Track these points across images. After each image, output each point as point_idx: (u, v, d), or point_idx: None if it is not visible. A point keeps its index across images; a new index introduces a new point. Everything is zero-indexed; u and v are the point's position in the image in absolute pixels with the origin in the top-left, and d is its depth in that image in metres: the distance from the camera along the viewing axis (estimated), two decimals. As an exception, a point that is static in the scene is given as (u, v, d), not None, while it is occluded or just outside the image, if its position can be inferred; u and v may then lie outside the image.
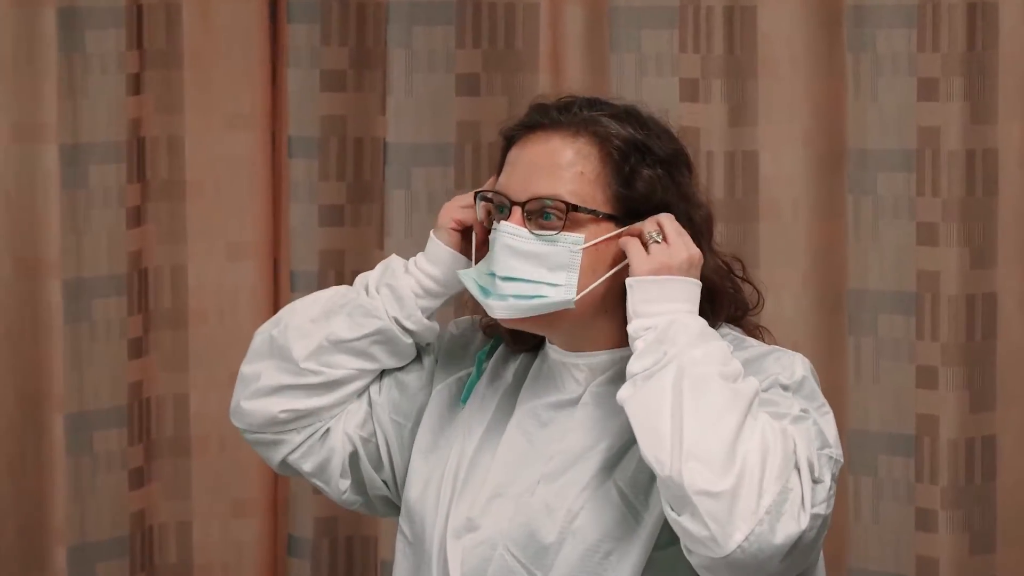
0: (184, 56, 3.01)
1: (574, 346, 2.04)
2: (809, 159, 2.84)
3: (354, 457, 2.14)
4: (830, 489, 1.89)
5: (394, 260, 2.12)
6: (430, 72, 2.93)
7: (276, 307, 3.07)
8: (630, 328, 1.94)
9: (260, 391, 2.11)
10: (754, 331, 2.09)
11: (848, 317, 2.83)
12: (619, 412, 1.95)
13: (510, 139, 2.02)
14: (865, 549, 2.85)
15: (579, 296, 1.97)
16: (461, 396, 2.10)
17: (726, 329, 2.06)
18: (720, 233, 2.84)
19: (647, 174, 1.98)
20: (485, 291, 2.00)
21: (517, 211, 1.97)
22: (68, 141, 2.92)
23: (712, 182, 2.82)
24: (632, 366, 1.91)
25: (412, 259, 2.11)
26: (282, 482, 3.11)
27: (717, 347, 1.92)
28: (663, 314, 1.93)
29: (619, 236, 1.97)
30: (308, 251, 3.02)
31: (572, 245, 1.96)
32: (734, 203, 2.84)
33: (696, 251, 1.97)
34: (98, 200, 2.96)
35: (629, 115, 2.02)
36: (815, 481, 1.87)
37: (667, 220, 1.98)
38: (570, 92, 2.06)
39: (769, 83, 2.83)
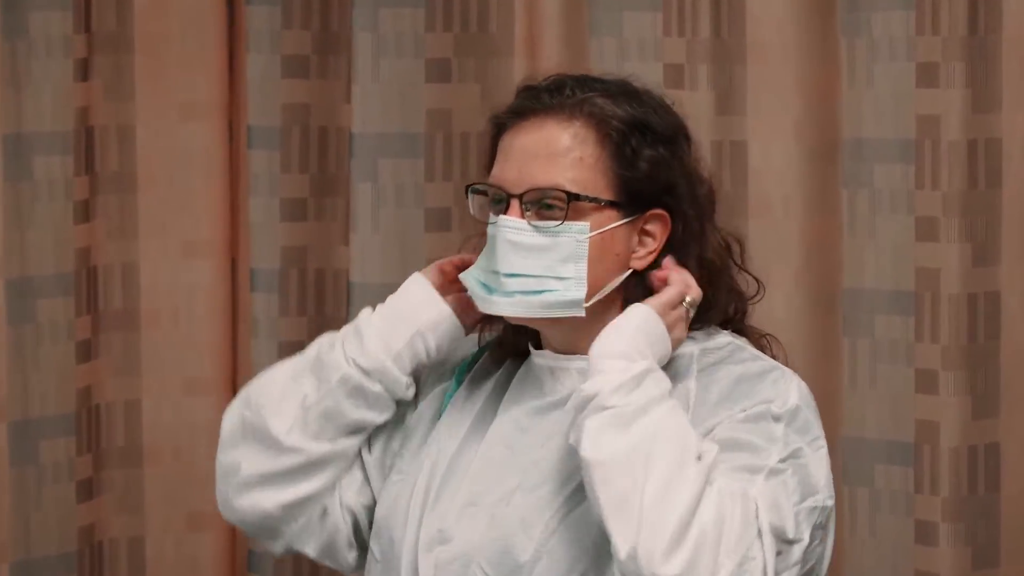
0: (135, 40, 2.96)
1: (570, 345, 1.98)
2: (801, 150, 2.80)
3: (357, 527, 2.08)
4: (810, 545, 1.85)
5: (366, 308, 2.06)
6: (398, 57, 2.88)
7: (234, 308, 3.03)
8: (605, 346, 1.86)
9: (246, 483, 2.03)
10: (759, 340, 2.04)
11: (843, 318, 2.80)
12: None
13: (500, 127, 1.97)
14: (861, 564, 2.80)
15: (590, 303, 1.92)
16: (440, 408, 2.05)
17: (727, 337, 2.00)
18: None
19: (649, 154, 1.94)
20: (488, 288, 1.94)
21: (515, 203, 1.92)
22: (11, 131, 2.86)
23: None
24: (604, 394, 1.83)
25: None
26: None
27: (679, 408, 1.86)
28: (647, 357, 1.86)
29: (626, 225, 1.92)
30: (269, 248, 2.97)
31: (578, 235, 1.91)
32: (721, 197, 2.72)
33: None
34: (43, 194, 2.90)
35: (624, 92, 1.96)
36: (789, 542, 1.82)
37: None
38: (557, 71, 2.01)
39: (758, 69, 2.79)
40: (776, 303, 2.75)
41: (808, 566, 1.85)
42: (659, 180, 1.93)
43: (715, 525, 1.76)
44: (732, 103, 2.79)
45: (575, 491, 1.91)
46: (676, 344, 1.92)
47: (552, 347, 2.00)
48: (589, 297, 1.92)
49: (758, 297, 2.03)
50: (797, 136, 2.78)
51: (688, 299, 1.92)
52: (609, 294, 1.94)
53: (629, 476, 1.78)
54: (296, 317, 2.95)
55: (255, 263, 2.97)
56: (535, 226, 1.90)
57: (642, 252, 1.94)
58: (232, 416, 2.06)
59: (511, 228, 1.90)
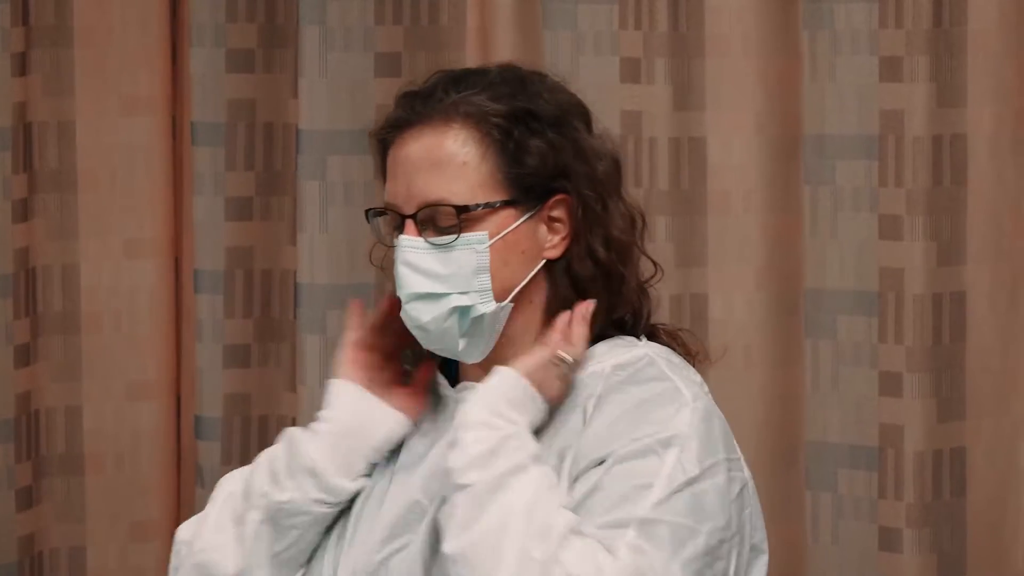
0: (75, 33, 2.94)
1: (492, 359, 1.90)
2: (761, 146, 2.77)
3: None
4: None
5: (298, 435, 1.95)
6: (346, 51, 2.84)
7: (178, 309, 3.00)
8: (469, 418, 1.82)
9: None
10: (673, 339, 1.96)
11: (805, 319, 2.77)
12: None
13: (384, 142, 1.91)
14: (824, 571, 2.78)
15: (509, 299, 1.88)
16: None
17: (643, 348, 1.92)
18: (664, 227, 2.76)
19: (536, 145, 1.87)
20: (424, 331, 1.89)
21: (410, 223, 1.87)
22: (-54, 127, 2.85)
23: (655, 171, 2.76)
24: (458, 471, 1.79)
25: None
26: (185, 503, 3.03)
27: (544, 475, 1.80)
28: (514, 422, 1.82)
29: (528, 220, 1.88)
30: (213, 248, 2.94)
31: (477, 245, 1.86)
32: (679, 194, 2.77)
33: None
34: None
35: (505, 81, 1.90)
36: None
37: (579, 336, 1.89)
38: (438, 70, 1.95)
39: (718, 63, 2.76)
40: (736, 303, 2.76)
41: None
42: (550, 168, 1.87)
43: None
44: (691, 98, 2.76)
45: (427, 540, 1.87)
46: (556, 400, 1.87)
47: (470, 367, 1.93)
48: (503, 299, 1.87)
49: (656, 278, 1.96)
50: (758, 131, 2.76)
51: (563, 356, 1.86)
52: (532, 291, 1.89)
53: (480, 570, 1.74)
54: (242, 319, 2.91)
55: (199, 264, 2.94)
56: (431, 242, 1.85)
57: (555, 240, 1.89)
58: None
59: (409, 248, 1.86)
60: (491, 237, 1.85)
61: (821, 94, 2.72)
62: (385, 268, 1.93)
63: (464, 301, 1.85)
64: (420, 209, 1.85)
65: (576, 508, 1.78)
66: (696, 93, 2.75)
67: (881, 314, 2.71)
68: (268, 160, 2.94)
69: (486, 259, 1.85)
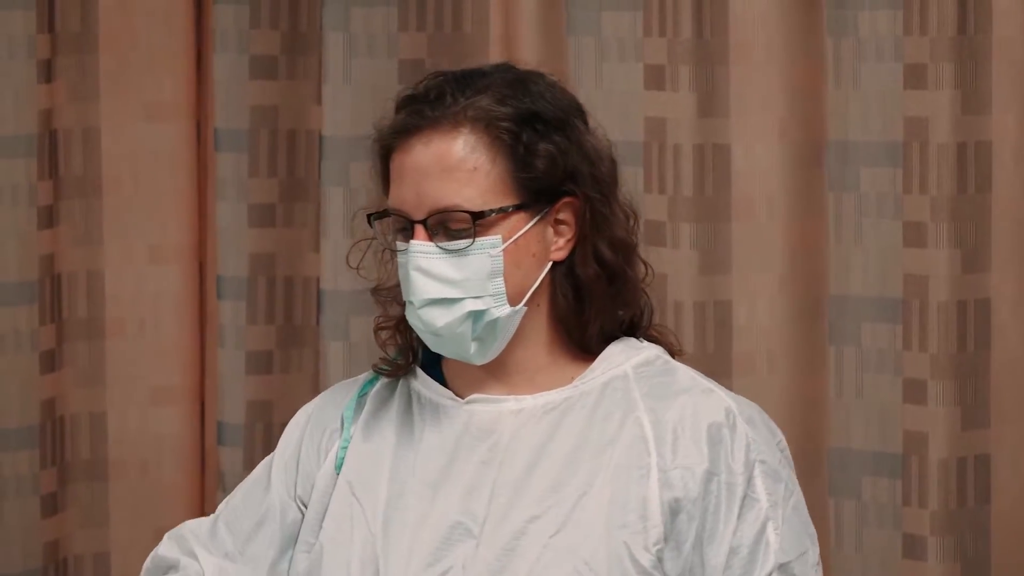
0: (100, 40, 2.94)
1: (515, 366, 1.91)
2: (785, 153, 2.76)
3: None
4: None
5: None
6: (370, 58, 2.85)
7: (202, 315, 3.00)
8: None
9: None
10: (667, 338, 1.98)
11: (829, 325, 2.77)
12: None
13: (387, 147, 1.91)
14: None
15: (523, 303, 1.88)
16: (335, 464, 1.97)
17: (650, 349, 1.93)
18: (688, 234, 2.75)
19: (544, 148, 1.87)
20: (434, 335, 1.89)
21: (420, 228, 1.86)
22: (-28, 134, 2.85)
23: (679, 178, 2.75)
24: None
25: None
26: (209, 510, 2.96)
27: None
28: None
29: (538, 222, 1.88)
30: (237, 254, 2.94)
31: (491, 250, 1.86)
32: (703, 201, 2.76)
33: None
34: (6, 199, 2.87)
35: (508, 83, 1.89)
36: None
37: None
38: (436, 70, 1.94)
39: (742, 70, 2.75)
40: (760, 310, 2.75)
41: None
42: (559, 171, 1.87)
43: None
44: (715, 105, 2.75)
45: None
46: None
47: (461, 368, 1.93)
48: (516, 303, 1.88)
49: (648, 279, 1.97)
50: (781, 138, 2.75)
51: None
52: (538, 294, 1.90)
53: None
54: (264, 326, 2.92)
55: (222, 270, 2.94)
56: (444, 248, 1.85)
57: (560, 242, 1.90)
58: None
59: (420, 253, 1.85)
60: (504, 241, 1.85)
61: (845, 101, 2.71)
62: (362, 271, 1.94)
63: (479, 305, 1.86)
64: (431, 215, 1.85)
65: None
66: (720, 100, 2.74)
67: (905, 321, 2.70)
68: (291, 166, 2.94)
69: (500, 263, 1.85)
